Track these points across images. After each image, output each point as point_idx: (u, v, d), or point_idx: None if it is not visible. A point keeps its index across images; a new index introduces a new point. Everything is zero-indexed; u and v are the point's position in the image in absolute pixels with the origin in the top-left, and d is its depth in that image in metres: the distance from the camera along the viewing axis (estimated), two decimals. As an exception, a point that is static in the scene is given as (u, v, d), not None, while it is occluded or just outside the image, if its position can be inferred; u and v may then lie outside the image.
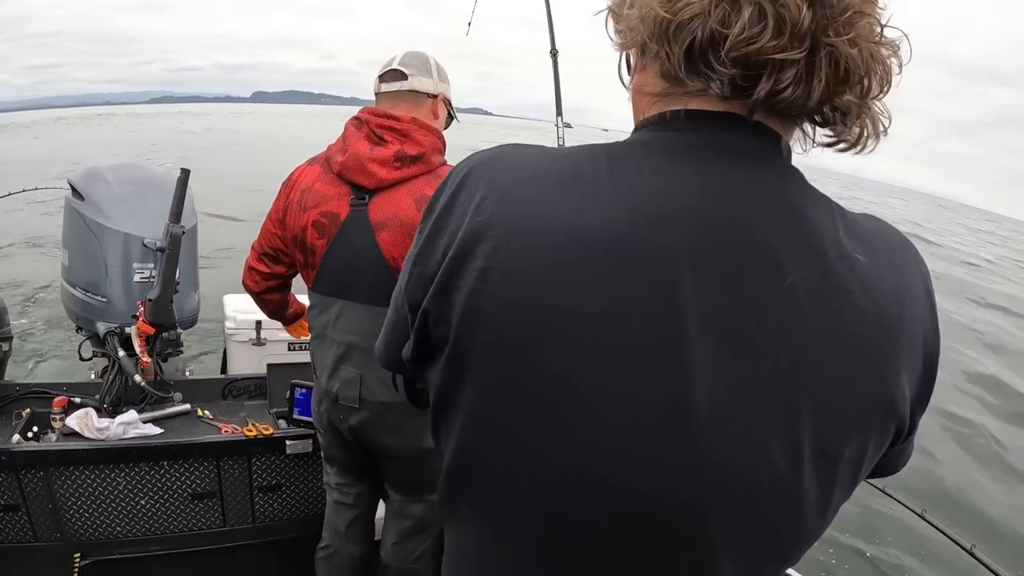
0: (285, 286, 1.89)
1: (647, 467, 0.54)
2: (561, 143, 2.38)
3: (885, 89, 0.54)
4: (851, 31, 0.50)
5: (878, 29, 0.53)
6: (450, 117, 1.68)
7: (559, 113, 2.47)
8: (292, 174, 1.67)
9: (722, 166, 0.55)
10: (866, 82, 0.53)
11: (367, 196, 1.51)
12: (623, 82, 0.63)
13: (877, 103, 0.55)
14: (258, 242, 1.77)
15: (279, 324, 2.37)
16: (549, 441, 0.56)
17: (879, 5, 0.53)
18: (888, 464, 0.68)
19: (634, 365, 0.52)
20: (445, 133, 1.65)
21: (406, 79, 1.56)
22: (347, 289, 1.57)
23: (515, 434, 0.57)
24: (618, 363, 0.52)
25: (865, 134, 0.56)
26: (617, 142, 0.58)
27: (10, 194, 2.97)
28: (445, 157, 1.57)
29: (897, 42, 0.54)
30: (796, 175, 0.58)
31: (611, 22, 0.60)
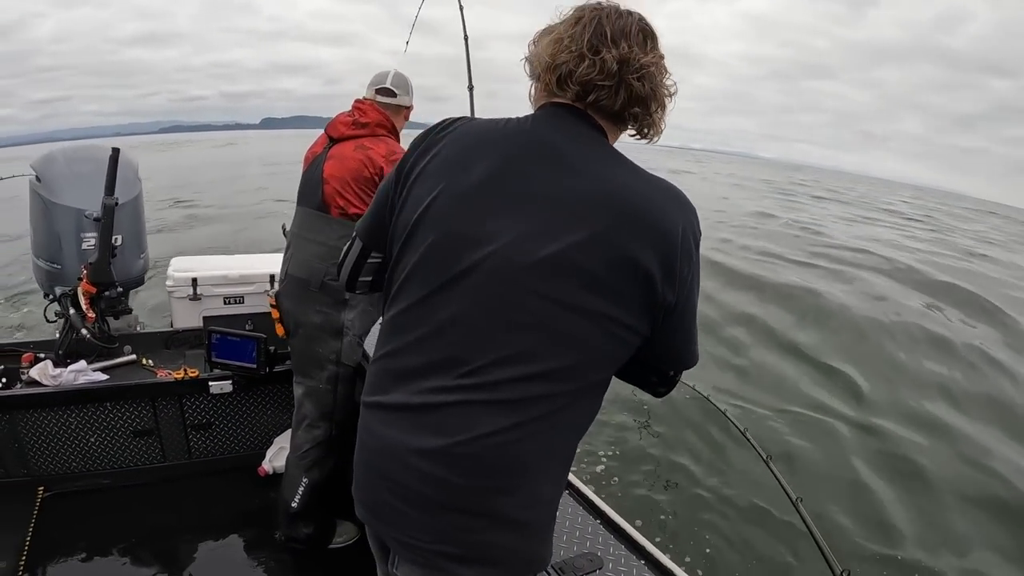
0: None
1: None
2: None
3: (659, 110, 1.01)
4: (640, 77, 0.97)
5: (666, 80, 1.00)
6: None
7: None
8: None
9: (557, 121, 1.01)
10: (647, 103, 0.99)
11: (333, 143, 2.13)
12: (530, 97, 1.09)
13: (656, 116, 1.02)
14: None
15: (215, 280, 2.64)
16: None
17: (666, 70, 1.01)
18: (666, 344, 1.02)
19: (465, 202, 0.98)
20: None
21: (395, 96, 2.20)
22: (301, 196, 2.18)
23: None
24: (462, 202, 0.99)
25: (649, 131, 1.04)
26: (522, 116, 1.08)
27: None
28: (391, 133, 2.17)
29: (673, 87, 1.02)
30: (596, 135, 1.01)
31: (526, 66, 1.08)
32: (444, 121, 1.09)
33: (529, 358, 0.92)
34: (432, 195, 0.99)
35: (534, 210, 0.94)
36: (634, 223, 0.92)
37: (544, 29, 1.06)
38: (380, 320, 1.15)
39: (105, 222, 2.43)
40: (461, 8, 3.02)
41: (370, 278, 1.19)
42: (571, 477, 2.11)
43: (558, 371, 0.93)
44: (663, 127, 1.05)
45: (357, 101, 2.19)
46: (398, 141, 2.19)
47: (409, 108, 2.27)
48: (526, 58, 1.08)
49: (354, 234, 1.20)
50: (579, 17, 1.00)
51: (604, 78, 0.96)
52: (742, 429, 2.00)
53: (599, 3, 1.02)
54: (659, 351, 1.04)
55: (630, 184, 0.96)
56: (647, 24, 1.01)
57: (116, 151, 2.47)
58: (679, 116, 1.06)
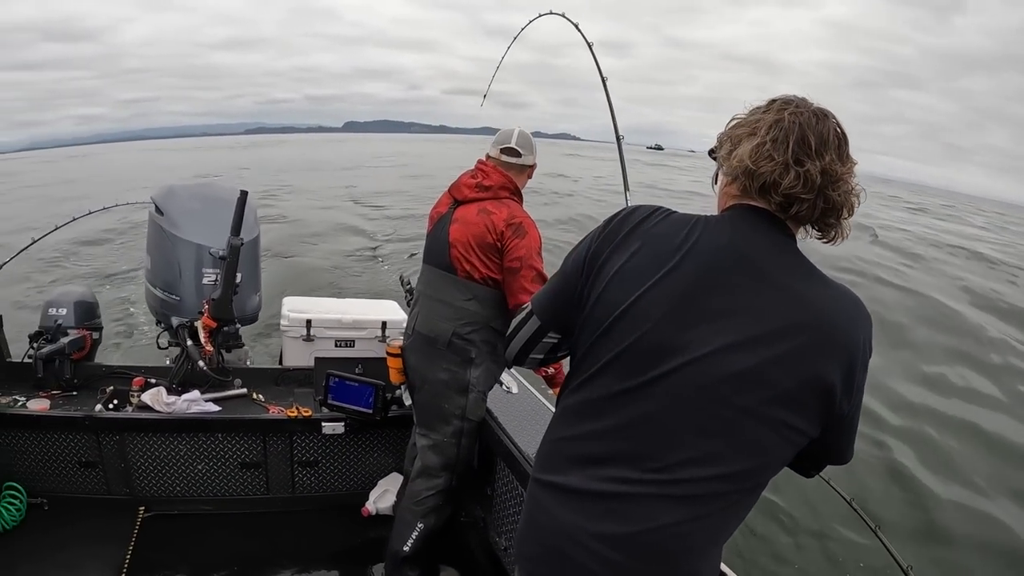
0: None
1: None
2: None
3: (849, 215, 1.05)
4: (837, 188, 1.01)
5: (854, 186, 1.04)
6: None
7: (626, 188, 2.95)
8: None
9: (755, 232, 1.05)
10: (841, 212, 1.04)
11: (457, 204, 2.22)
12: (713, 186, 1.16)
13: (844, 223, 1.06)
14: None
15: (328, 323, 2.77)
16: None
17: (855, 174, 1.03)
18: (831, 443, 1.09)
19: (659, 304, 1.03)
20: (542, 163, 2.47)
21: (520, 156, 2.25)
22: (428, 256, 2.27)
23: None
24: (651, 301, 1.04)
25: (836, 235, 1.07)
26: (715, 215, 1.12)
27: (104, 208, 3.45)
28: (513, 195, 2.23)
29: (859, 192, 1.05)
30: (790, 243, 1.06)
31: (719, 163, 1.12)
32: (637, 212, 1.13)
33: (714, 460, 1.00)
34: (633, 297, 1.04)
35: (733, 323, 0.99)
36: (827, 342, 0.99)
37: (739, 124, 1.08)
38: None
39: (230, 261, 2.53)
40: (590, 46, 2.97)
41: (541, 356, 1.26)
42: None
43: (739, 473, 1.01)
44: (848, 232, 1.08)
45: (480, 162, 2.26)
46: (521, 201, 2.25)
47: (533, 167, 2.32)
48: (714, 152, 1.12)
49: (529, 309, 1.24)
50: (778, 119, 1.02)
51: (807, 191, 1.00)
52: (848, 499, 2.12)
53: (796, 103, 1.04)
54: (822, 448, 1.11)
55: (824, 299, 1.02)
56: (841, 128, 1.04)
57: (244, 194, 2.58)
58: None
